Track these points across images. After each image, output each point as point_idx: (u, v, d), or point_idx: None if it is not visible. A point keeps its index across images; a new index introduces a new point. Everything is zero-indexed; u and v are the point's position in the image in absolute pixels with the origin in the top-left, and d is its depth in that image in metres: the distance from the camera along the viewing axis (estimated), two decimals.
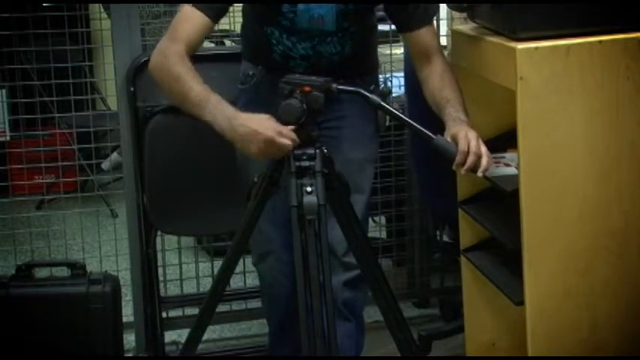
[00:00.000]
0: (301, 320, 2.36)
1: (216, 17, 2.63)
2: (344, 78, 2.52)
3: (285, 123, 2.39)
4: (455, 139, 2.48)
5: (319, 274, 2.35)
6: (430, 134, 2.47)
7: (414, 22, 2.70)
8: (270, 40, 2.72)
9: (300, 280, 2.36)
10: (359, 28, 2.74)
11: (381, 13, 2.95)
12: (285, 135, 2.38)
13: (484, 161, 2.47)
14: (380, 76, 3.16)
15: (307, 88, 2.38)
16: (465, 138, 2.46)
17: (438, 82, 2.67)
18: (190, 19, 2.58)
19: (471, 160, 2.45)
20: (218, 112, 2.46)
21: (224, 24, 3.35)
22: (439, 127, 2.57)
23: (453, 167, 2.47)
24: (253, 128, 2.40)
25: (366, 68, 2.84)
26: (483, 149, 2.48)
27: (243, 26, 2.88)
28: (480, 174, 2.48)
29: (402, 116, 2.53)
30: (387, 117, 2.91)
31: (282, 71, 2.58)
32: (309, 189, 2.35)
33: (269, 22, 2.70)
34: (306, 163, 2.40)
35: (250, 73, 2.79)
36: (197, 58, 2.70)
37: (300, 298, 2.36)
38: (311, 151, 2.41)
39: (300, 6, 2.63)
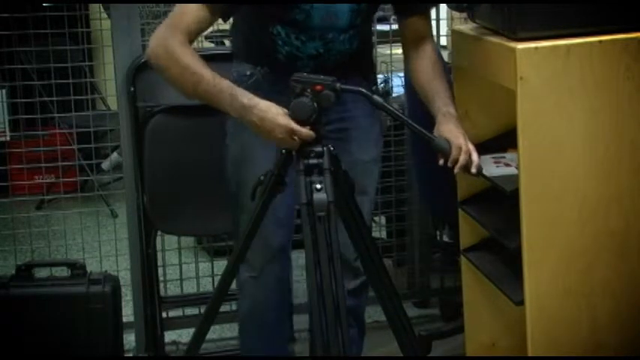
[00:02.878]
0: (314, 320, 2.33)
1: (220, 15, 2.61)
2: (348, 77, 2.52)
3: (296, 120, 2.41)
4: (445, 135, 2.51)
5: (331, 270, 2.34)
6: (430, 135, 2.49)
7: (411, 9, 2.73)
8: (275, 40, 2.67)
9: (312, 278, 2.35)
10: (366, 24, 2.75)
11: (380, 13, 2.95)
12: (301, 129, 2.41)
13: (474, 157, 2.50)
14: (381, 75, 3.16)
15: (319, 87, 2.39)
16: (457, 137, 2.50)
17: (429, 72, 2.69)
18: (191, 11, 2.56)
19: (462, 158, 2.49)
20: (233, 100, 2.48)
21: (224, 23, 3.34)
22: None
23: (449, 163, 2.49)
24: (272, 120, 2.41)
25: (367, 67, 2.84)
26: (471, 146, 2.51)
27: (235, 26, 2.81)
28: (473, 170, 2.50)
29: (404, 117, 2.54)
30: (388, 117, 2.92)
31: (286, 71, 2.54)
32: (318, 186, 2.36)
33: (276, 21, 2.65)
34: (314, 161, 2.41)
35: (248, 73, 2.74)
36: None
37: (312, 298, 2.34)
38: (319, 148, 2.42)
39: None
